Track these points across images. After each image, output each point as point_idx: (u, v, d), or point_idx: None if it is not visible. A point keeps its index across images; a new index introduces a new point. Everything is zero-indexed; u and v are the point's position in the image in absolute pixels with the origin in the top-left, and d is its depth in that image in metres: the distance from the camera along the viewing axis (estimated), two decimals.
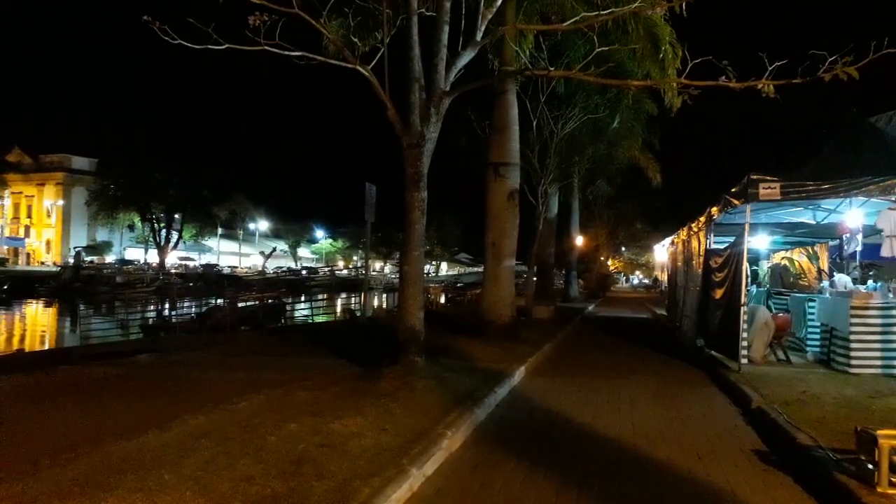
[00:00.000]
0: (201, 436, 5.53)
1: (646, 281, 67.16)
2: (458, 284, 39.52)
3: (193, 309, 28.81)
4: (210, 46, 8.00)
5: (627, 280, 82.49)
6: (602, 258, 54.25)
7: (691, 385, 9.84)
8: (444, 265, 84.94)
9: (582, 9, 10.35)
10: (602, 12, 9.38)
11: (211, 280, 53.28)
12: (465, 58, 9.24)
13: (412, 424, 6.16)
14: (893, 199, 9.91)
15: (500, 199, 13.85)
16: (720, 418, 7.54)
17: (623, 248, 66.47)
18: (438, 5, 9.16)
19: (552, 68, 10.92)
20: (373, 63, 8.81)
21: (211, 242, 71.41)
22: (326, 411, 6.43)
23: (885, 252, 10.53)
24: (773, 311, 12.84)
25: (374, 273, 51.00)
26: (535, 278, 22.57)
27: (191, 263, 62.40)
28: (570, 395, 8.76)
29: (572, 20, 9.37)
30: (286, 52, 8.37)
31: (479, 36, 9.14)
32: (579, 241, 33.58)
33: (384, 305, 22.25)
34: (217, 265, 64.43)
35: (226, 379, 8.49)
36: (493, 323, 13.59)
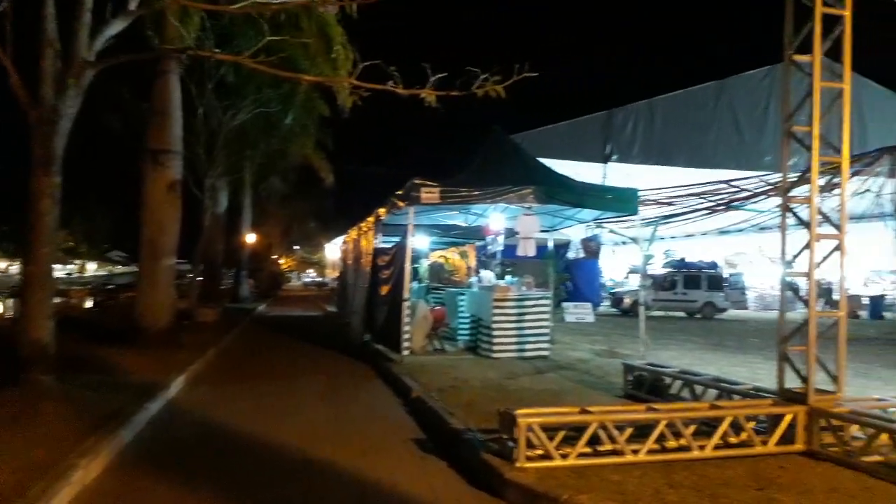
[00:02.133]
0: None
1: (318, 279, 68.43)
2: (109, 286, 35.01)
3: None
4: None
5: (299, 278, 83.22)
6: (274, 257, 53.62)
7: (359, 381, 10.05)
8: (91, 265, 74.94)
9: None
10: (273, 1, 9.00)
11: None
12: (116, 27, 8.04)
13: (35, 457, 5.03)
14: (527, 205, 11.43)
15: (160, 191, 12.48)
16: (385, 411, 7.78)
17: (296, 247, 66.71)
18: None
19: (216, 51, 10.19)
20: None
21: None
22: None
23: (520, 251, 12.14)
24: (432, 304, 13.92)
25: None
26: (200, 278, 21.07)
27: None
28: (235, 403, 8.20)
29: (242, 4, 8.82)
30: None
31: (132, 5, 8.02)
32: (251, 238, 32.55)
33: (7, 313, 18.45)
34: None
35: None
36: (150, 329, 12.17)
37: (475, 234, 15.60)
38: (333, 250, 30.24)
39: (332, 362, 12.03)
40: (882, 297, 27.11)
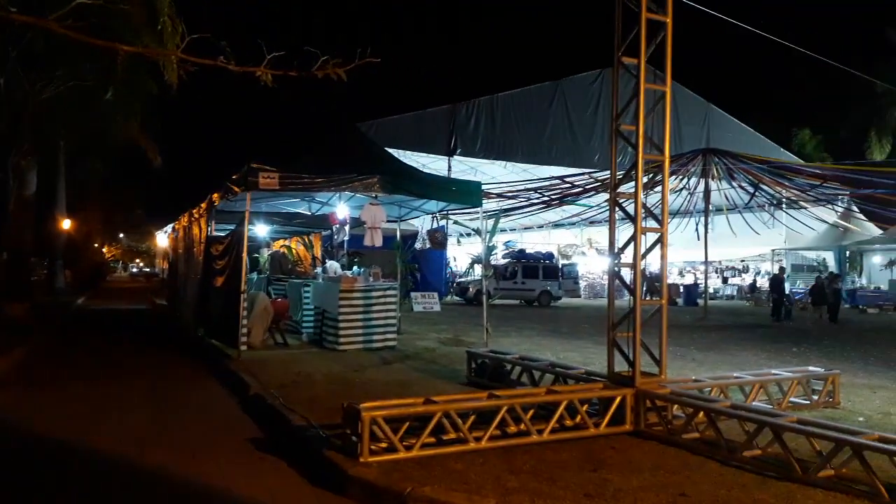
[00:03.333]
0: None
1: (147, 270, 63.62)
2: None
3: None
4: None
5: (126, 269, 76.92)
6: (96, 245, 49.03)
7: (191, 379, 9.37)
8: None
9: None
10: None
11: None
12: None
13: None
14: (373, 195, 11.27)
15: None
16: (218, 411, 7.28)
17: (121, 235, 61.45)
18: None
19: (18, 12, 8.94)
20: None
21: None
22: None
23: (367, 241, 11.96)
24: (273, 296, 13.34)
25: None
26: (7, 268, 18.65)
27: None
28: (47, 409, 7.26)
29: None
30: None
31: None
32: (67, 225, 29.41)
33: None
34: None
35: None
36: None
37: (320, 223, 15.17)
38: (163, 238, 28.14)
39: (161, 360, 11.11)
40: (696, 285, 30.22)
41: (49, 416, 6.92)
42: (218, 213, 12.46)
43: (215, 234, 12.62)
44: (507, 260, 30.17)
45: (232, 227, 11.90)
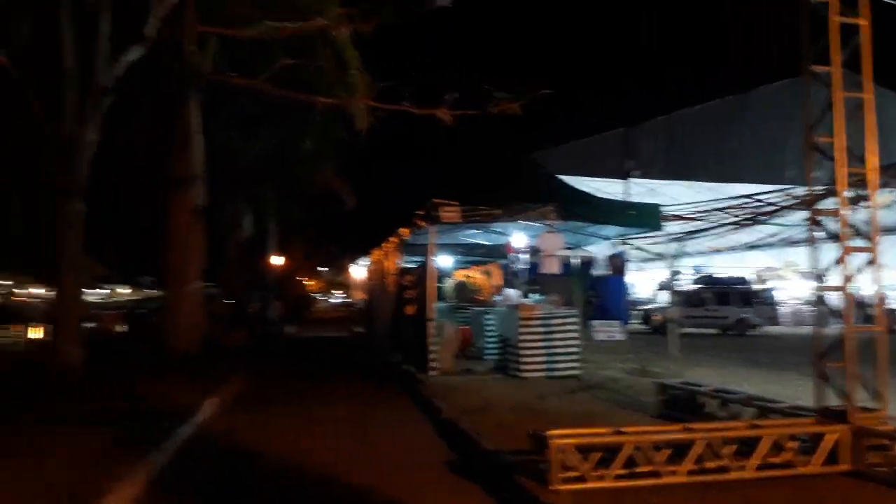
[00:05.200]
0: None
1: (345, 300, 68.66)
2: (140, 310, 35.43)
3: None
4: None
5: (328, 300, 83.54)
6: (301, 279, 53.93)
7: (388, 402, 10.00)
8: (122, 289, 76.12)
9: (266, 18, 9.99)
10: (286, 24, 9.19)
11: None
12: (134, 54, 8.25)
13: (67, 483, 5.06)
14: (549, 223, 11.38)
15: (184, 216, 12.68)
16: (414, 433, 7.71)
17: (322, 268, 67.07)
18: None
19: (235, 76, 10.45)
20: (14, 51, 7.34)
21: None
22: None
23: (544, 269, 12.06)
24: (458, 324, 13.85)
25: (33, 299, 43.33)
26: (228, 301, 21.29)
27: None
28: (265, 426, 8.20)
29: (253, 28, 9.02)
30: None
31: (149, 31, 8.23)
32: (278, 261, 32.80)
33: (43, 338, 18.91)
34: None
35: None
36: (179, 353, 12.30)
37: (498, 252, 15.55)
38: (358, 271, 30.29)
39: (360, 383, 12.00)
40: None
41: (268, 434, 7.78)
42: (407, 246, 13.25)
43: (405, 265, 13.41)
44: (695, 285, 28.53)
45: (420, 258, 12.61)
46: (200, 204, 13.02)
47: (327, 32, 10.78)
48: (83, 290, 8.48)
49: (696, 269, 33.31)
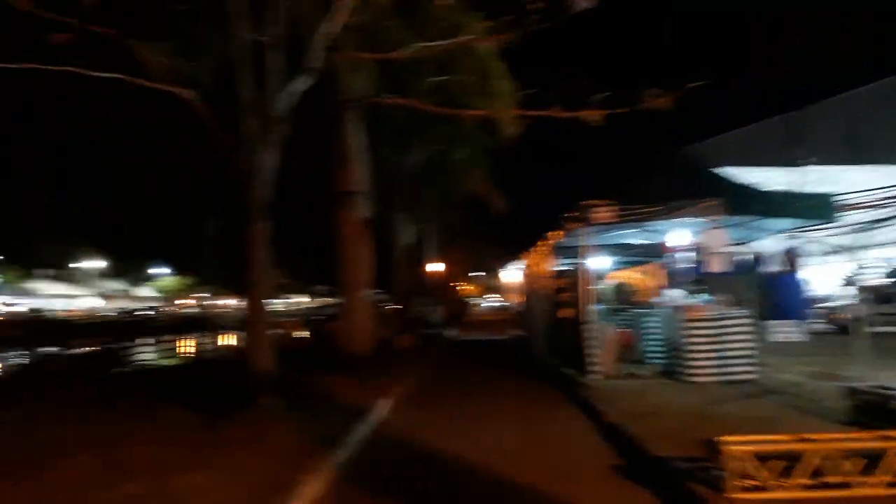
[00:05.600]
0: None
1: (500, 303, 69.43)
2: (316, 317, 38.36)
3: (17, 360, 25.47)
4: (7, 65, 7.20)
5: (482, 303, 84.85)
6: (458, 283, 55.35)
7: (549, 404, 10.07)
8: (300, 298, 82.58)
9: (416, 40, 10.47)
10: (436, 43, 9.58)
11: (35, 326, 47.67)
12: (301, 84, 9.02)
13: (267, 474, 5.69)
14: (711, 219, 10.84)
15: (351, 228, 13.61)
16: (579, 436, 7.73)
17: (476, 273, 68.40)
18: (270, 31, 8.88)
19: (388, 96, 11.08)
20: (200, 89, 8.34)
21: (36, 285, 64.56)
22: (169, 467, 5.79)
23: (708, 267, 11.49)
24: (617, 326, 13.58)
25: (224, 309, 48.33)
26: (395, 306, 22.45)
27: (14, 308, 55.66)
28: (435, 426, 8.59)
29: (404, 50, 9.51)
30: (95, 74, 7.69)
31: (312, 63, 8.96)
32: (437, 267, 33.97)
33: (236, 344, 21.20)
34: (41, 310, 58.01)
35: (52, 439, 7.43)
36: (354, 356, 13.22)
37: (655, 251, 15.01)
38: (511, 274, 30.56)
39: (521, 385, 12.18)
40: None
41: (438, 431, 8.16)
42: (561, 249, 13.23)
43: (559, 268, 13.40)
44: (886, 279, 25.60)
45: (575, 260, 12.54)
46: (366, 217, 13.91)
47: (472, 46, 11.12)
48: (270, 300, 9.40)
49: (888, 261, 29.85)
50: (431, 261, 32.83)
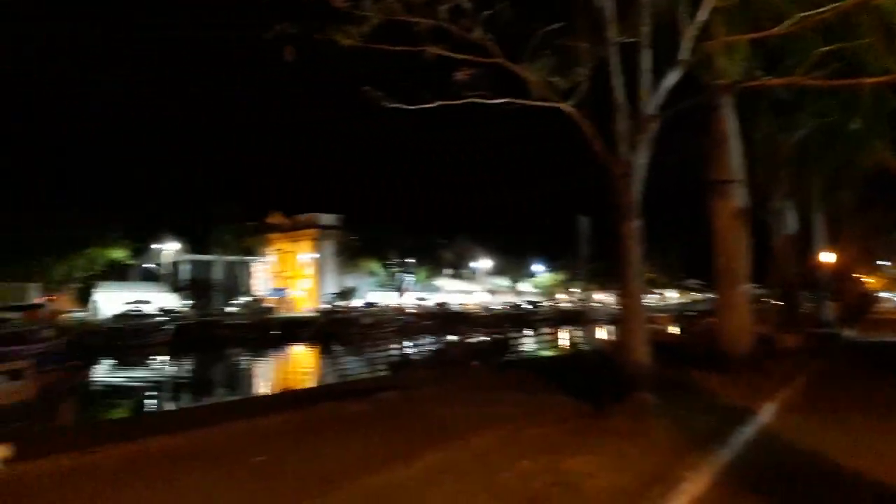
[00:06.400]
0: (441, 471, 5.87)
1: None
2: (688, 313, 37.14)
3: (428, 346, 30.62)
4: (423, 105, 8.74)
5: (893, 298, 71.12)
6: (857, 275, 47.56)
7: None
8: (670, 293, 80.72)
9: (796, 10, 9.44)
10: (828, 8, 8.50)
11: (443, 318, 56.20)
12: (671, 79, 8.97)
13: (648, 465, 5.94)
14: None
15: (726, 219, 12.91)
16: None
17: (882, 262, 57.51)
18: (637, 31, 9.03)
19: (768, 76, 10.17)
20: (575, 99, 8.93)
21: (440, 282, 75.92)
22: (558, 449, 6.45)
23: None
24: None
25: (596, 304, 50.04)
26: (776, 302, 20.53)
27: (424, 303, 66.32)
28: (828, 437, 7.76)
29: (786, 24, 8.66)
30: (491, 101, 8.82)
31: (683, 55, 8.83)
32: (827, 258, 29.85)
33: (609, 338, 21.87)
34: (446, 303, 67.82)
35: (459, 414, 8.88)
36: (731, 354, 12.55)
37: None
38: None
39: None
40: None
41: (830, 444, 7.33)
42: None
43: None
44: None
45: None
46: (742, 206, 13.08)
47: (871, 2, 9.60)
48: (643, 295, 9.63)
49: None
50: (822, 250, 28.93)
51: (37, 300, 45.42)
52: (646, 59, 8.97)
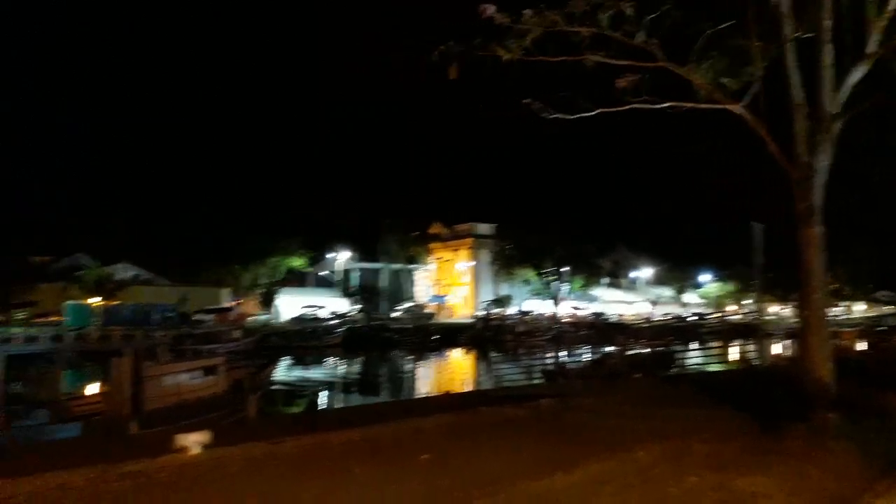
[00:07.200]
0: (603, 481, 5.87)
1: None
2: (879, 328, 33.20)
3: (586, 356, 30.15)
4: (583, 115, 8.73)
5: None
6: None
7: None
8: (857, 305, 72.53)
9: None
10: None
11: (600, 328, 55.01)
12: (857, 74, 8.23)
13: (831, 489, 5.55)
14: None
15: None
16: None
17: None
18: (817, 26, 8.37)
19: None
20: (747, 100, 8.48)
21: (597, 292, 74.17)
22: (727, 466, 6.20)
23: None
24: None
25: (771, 317, 46.29)
26: None
27: (580, 312, 65.21)
28: None
29: None
30: (655, 106, 8.60)
31: (871, 48, 8.06)
32: None
33: (784, 353, 20.22)
34: (603, 313, 66.15)
35: (621, 426, 8.73)
36: None
37: None
38: None
39: None
40: None
41: None
42: None
43: None
44: None
45: None
46: None
47: None
48: (826, 308, 8.89)
49: None
50: None
51: (227, 304, 50.75)
52: (827, 55, 8.30)
